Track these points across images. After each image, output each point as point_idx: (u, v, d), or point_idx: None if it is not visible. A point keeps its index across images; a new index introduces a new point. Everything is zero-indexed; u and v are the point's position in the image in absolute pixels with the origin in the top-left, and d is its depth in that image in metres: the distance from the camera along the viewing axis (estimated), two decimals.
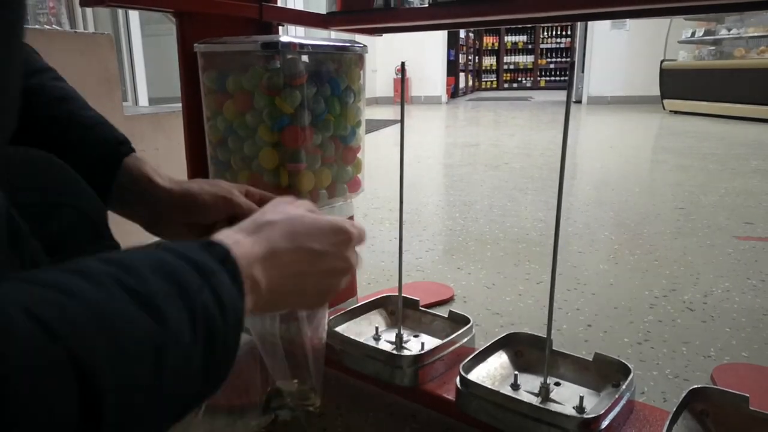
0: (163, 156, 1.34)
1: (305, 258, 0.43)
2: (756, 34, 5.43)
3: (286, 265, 0.41)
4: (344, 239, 0.46)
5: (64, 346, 0.24)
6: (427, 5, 0.88)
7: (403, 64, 0.81)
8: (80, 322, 0.25)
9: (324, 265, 0.44)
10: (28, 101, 0.54)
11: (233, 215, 0.58)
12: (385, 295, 0.94)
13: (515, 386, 0.74)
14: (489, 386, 0.69)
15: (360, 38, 1.04)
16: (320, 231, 0.45)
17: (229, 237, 0.39)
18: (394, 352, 0.81)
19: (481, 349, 0.77)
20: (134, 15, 2.58)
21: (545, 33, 13.91)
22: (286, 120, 0.77)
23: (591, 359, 0.75)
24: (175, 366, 0.29)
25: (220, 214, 0.58)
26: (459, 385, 0.70)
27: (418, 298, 0.92)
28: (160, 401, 0.29)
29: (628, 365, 0.71)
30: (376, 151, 3.76)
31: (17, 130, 0.52)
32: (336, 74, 0.82)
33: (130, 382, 0.27)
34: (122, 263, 0.30)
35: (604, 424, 0.63)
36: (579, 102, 8.12)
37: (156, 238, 0.60)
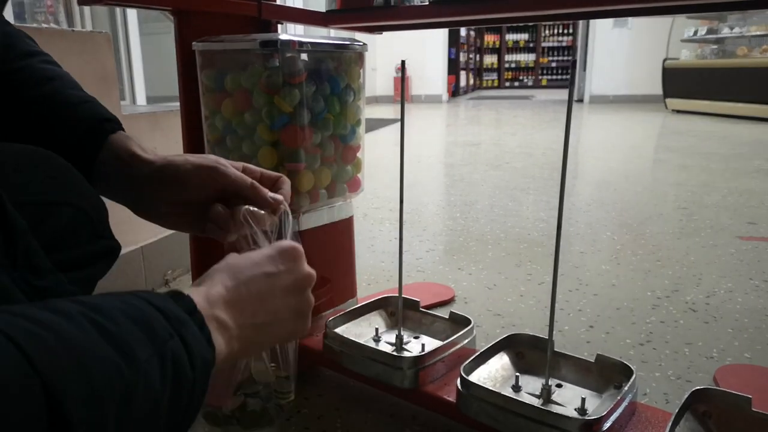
0: None
1: (261, 283, 0.43)
2: (758, 33, 5.42)
3: (246, 298, 0.41)
4: (291, 255, 0.46)
5: (40, 373, 0.25)
6: (427, 3, 0.87)
7: (403, 62, 0.80)
8: (56, 355, 0.26)
9: (282, 282, 0.44)
10: (16, 82, 0.53)
11: (222, 189, 0.52)
12: (385, 295, 0.94)
13: (516, 388, 0.73)
14: (490, 388, 0.68)
15: (360, 36, 1.03)
16: (265, 257, 0.45)
17: (185, 289, 0.40)
18: (395, 353, 0.80)
19: (482, 350, 0.76)
20: (132, 13, 2.58)
21: (547, 31, 13.90)
22: (285, 119, 0.76)
23: (593, 360, 0.74)
24: (143, 408, 0.30)
25: (206, 188, 0.52)
26: (460, 387, 0.70)
27: (418, 299, 0.91)
28: None
29: (630, 366, 0.70)
30: (376, 150, 3.75)
31: (4, 112, 0.51)
32: (335, 73, 0.81)
33: (98, 419, 0.27)
34: (95, 305, 0.31)
35: (606, 425, 0.62)
36: (581, 101, 8.11)
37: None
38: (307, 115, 0.78)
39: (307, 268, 0.47)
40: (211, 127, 0.83)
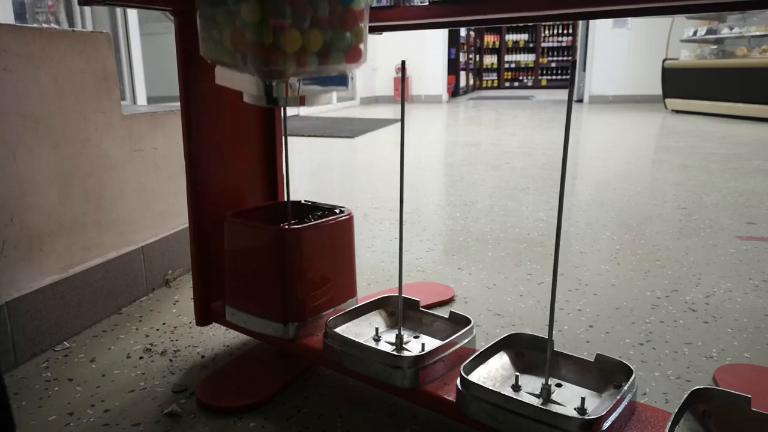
0: (161, 155, 1.33)
1: None
2: (758, 33, 5.42)
3: None
4: None
5: None
6: (427, 3, 0.88)
7: (403, 62, 0.81)
8: None
9: None
10: None
11: None
12: (385, 295, 0.94)
13: (516, 387, 0.73)
14: (490, 387, 0.68)
15: None
16: None
17: None
18: (395, 353, 0.80)
19: (482, 350, 0.76)
20: (133, 13, 2.58)
21: (546, 31, 13.90)
22: None
23: (592, 360, 0.74)
24: None
25: None
26: (460, 387, 0.70)
27: (418, 299, 0.91)
28: None
29: (630, 366, 0.71)
30: (376, 150, 3.75)
31: None
32: None
33: None
34: None
35: (606, 425, 0.62)
36: (581, 101, 8.12)
37: None
38: None
39: None
40: None
